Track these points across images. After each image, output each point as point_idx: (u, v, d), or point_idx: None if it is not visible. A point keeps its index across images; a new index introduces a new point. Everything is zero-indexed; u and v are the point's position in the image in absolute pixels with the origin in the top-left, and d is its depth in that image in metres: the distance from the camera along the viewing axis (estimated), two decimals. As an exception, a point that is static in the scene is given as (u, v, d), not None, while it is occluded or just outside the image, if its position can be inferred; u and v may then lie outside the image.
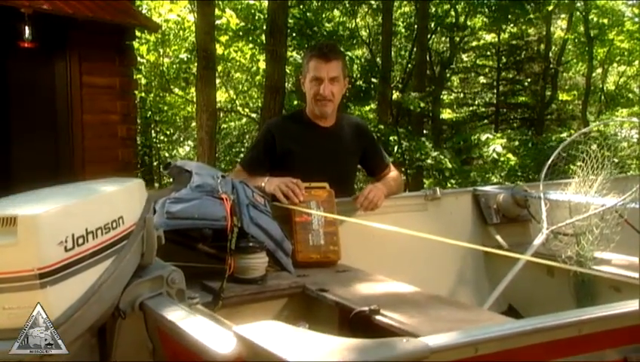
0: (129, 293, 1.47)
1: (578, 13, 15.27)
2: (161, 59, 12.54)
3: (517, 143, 11.45)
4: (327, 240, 2.42)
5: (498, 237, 3.00)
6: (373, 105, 12.30)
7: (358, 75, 11.83)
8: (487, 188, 3.24)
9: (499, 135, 11.25)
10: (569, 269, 2.44)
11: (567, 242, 2.53)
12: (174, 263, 1.78)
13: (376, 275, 2.23)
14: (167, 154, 13.94)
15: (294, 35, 11.54)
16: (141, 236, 1.50)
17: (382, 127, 9.96)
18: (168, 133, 14.57)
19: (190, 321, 1.31)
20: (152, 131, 14.18)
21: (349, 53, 12.61)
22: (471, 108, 17.10)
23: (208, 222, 2.04)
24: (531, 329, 1.20)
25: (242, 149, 14.43)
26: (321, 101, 2.77)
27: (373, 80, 11.88)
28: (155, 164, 14.09)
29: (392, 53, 13.57)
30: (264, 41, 9.73)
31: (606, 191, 2.56)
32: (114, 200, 1.48)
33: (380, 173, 2.98)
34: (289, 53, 10.86)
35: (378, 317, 1.72)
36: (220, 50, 11.43)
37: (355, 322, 1.78)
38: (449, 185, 10.38)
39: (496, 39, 15.89)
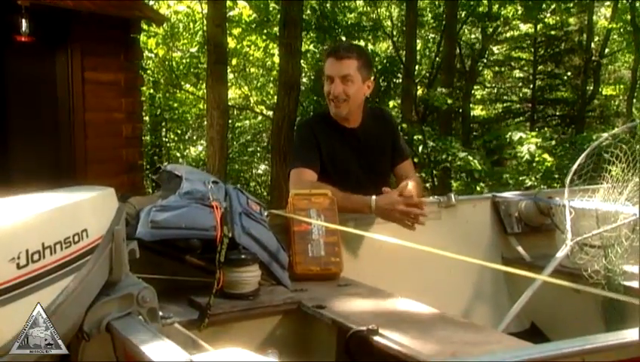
0: (94, 313, 1.44)
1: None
2: (171, 53, 12.57)
3: (554, 143, 11.23)
4: (327, 251, 2.37)
5: (519, 248, 2.95)
6: (395, 103, 12.21)
7: (378, 74, 11.75)
8: (508, 194, 3.18)
9: (533, 133, 11.06)
10: (596, 284, 2.36)
11: (594, 255, 2.47)
12: (159, 276, 1.75)
13: (382, 290, 2.18)
14: (178, 154, 13.99)
15: (313, 26, 11.50)
16: (108, 250, 1.47)
17: (405, 125, 9.87)
18: (179, 131, 14.62)
19: (154, 346, 1.28)
20: (162, 130, 14.25)
21: (371, 47, 12.52)
22: (505, 105, 16.87)
23: (196, 232, 2.01)
24: (527, 360, 1.13)
25: (258, 149, 14.40)
26: (333, 101, 2.78)
27: (396, 75, 11.80)
28: (165, 164, 14.10)
29: (419, 45, 13.44)
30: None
31: (637, 199, 2.48)
32: (77, 212, 1.45)
33: (396, 166, 2.96)
34: (305, 47, 10.82)
35: (376, 338, 1.69)
36: (232, 43, 11.43)
37: (353, 343, 1.75)
38: (478, 188, 10.25)
39: (533, 29, 15.64)
